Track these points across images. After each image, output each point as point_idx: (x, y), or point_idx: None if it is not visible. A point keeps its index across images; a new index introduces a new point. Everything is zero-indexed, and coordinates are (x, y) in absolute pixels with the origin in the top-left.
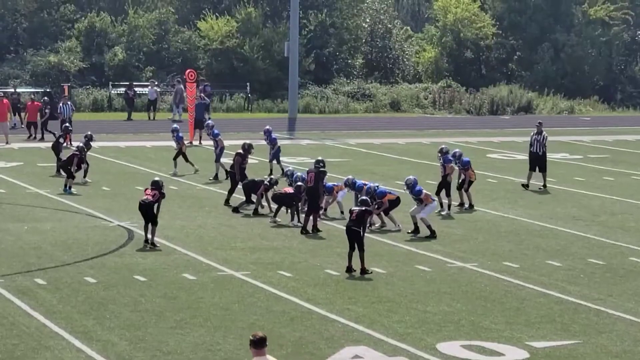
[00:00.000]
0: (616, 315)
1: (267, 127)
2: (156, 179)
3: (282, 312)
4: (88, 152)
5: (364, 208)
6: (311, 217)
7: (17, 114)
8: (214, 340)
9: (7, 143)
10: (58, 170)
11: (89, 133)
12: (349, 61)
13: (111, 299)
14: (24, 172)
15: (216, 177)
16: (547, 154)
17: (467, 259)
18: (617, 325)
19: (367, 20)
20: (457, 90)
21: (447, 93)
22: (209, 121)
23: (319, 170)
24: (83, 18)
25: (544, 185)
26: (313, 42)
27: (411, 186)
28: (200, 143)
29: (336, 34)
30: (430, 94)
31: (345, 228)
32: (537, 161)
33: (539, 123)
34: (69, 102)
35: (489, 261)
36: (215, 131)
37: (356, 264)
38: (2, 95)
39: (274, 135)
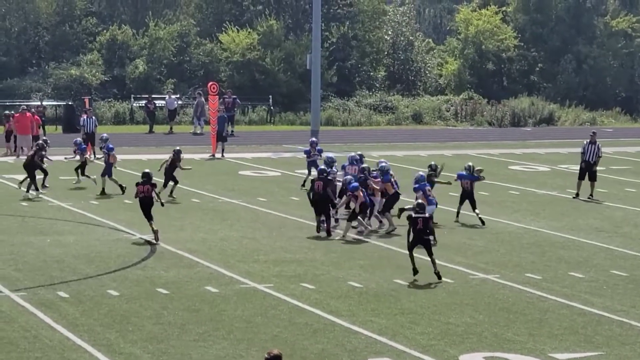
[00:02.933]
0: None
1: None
2: (146, 170)
3: (304, 325)
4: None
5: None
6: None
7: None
8: (236, 353)
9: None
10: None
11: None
12: (371, 73)
13: (134, 311)
14: (46, 185)
15: (103, 191)
16: (570, 165)
17: (490, 270)
18: None
19: (389, 33)
20: (479, 102)
21: (469, 105)
22: (104, 134)
23: (326, 179)
24: (105, 31)
25: (591, 195)
26: (335, 54)
27: (416, 180)
28: (222, 156)
29: (358, 47)
30: (452, 106)
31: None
32: (589, 170)
33: (593, 133)
34: (93, 117)
35: (512, 273)
36: (110, 145)
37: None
38: (25, 108)
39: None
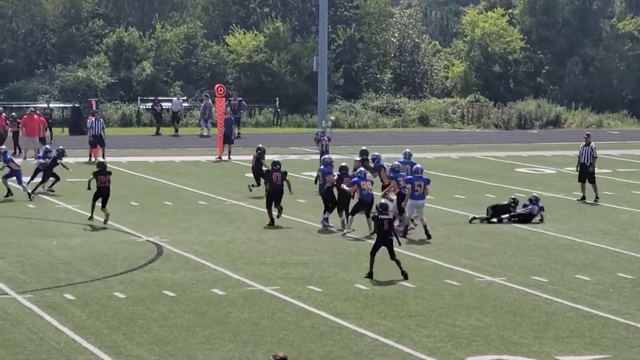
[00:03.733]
0: None
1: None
2: (100, 160)
3: (311, 327)
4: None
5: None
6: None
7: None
8: (243, 356)
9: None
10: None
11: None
12: (378, 76)
13: (140, 314)
14: (53, 187)
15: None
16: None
17: (496, 273)
18: None
19: (396, 35)
20: (486, 104)
21: (476, 107)
22: (2, 147)
23: (281, 170)
24: (111, 33)
25: (597, 197)
26: (342, 56)
27: (391, 169)
28: (229, 158)
29: (365, 49)
30: (458, 108)
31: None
32: (586, 172)
33: (587, 135)
34: (100, 119)
35: (518, 275)
36: (8, 156)
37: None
38: (33, 110)
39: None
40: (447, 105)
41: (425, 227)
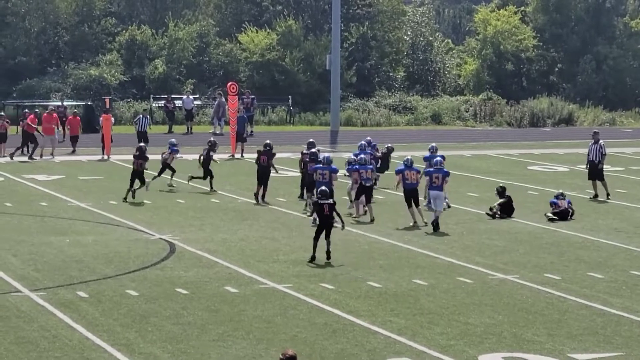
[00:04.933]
0: None
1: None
2: (141, 144)
3: (324, 325)
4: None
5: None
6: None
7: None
8: (256, 353)
9: (52, 155)
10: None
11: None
12: (391, 74)
13: (153, 312)
14: (65, 185)
15: None
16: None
17: (509, 270)
18: None
19: (409, 33)
20: (498, 102)
21: (488, 105)
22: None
23: (270, 152)
24: (124, 31)
25: (608, 195)
26: (354, 54)
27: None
28: (242, 156)
29: (377, 47)
30: (471, 106)
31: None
32: (596, 170)
33: (595, 132)
34: (147, 116)
35: (531, 273)
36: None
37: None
38: (53, 109)
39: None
40: (460, 103)
41: (436, 218)
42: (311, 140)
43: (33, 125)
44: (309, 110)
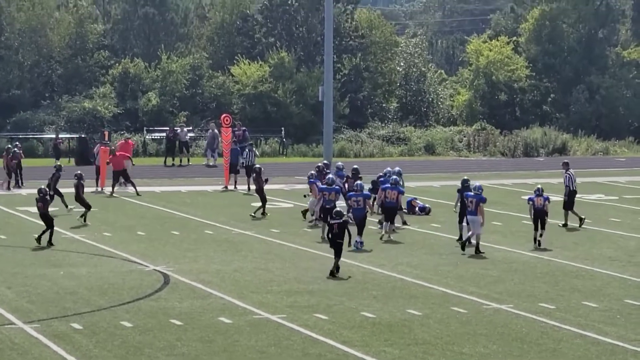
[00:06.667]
0: None
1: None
2: (41, 187)
3: (318, 355)
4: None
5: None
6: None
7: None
8: None
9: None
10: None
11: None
12: (384, 105)
13: (147, 343)
14: (59, 217)
15: None
16: (583, 195)
17: (503, 300)
18: None
19: (401, 64)
20: (492, 132)
21: (482, 136)
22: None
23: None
24: (117, 64)
25: (581, 219)
26: (347, 86)
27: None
28: (235, 188)
29: (370, 78)
30: (464, 136)
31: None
32: (572, 199)
33: (565, 162)
34: (254, 148)
35: (525, 302)
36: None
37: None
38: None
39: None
40: (453, 134)
41: (477, 242)
42: (355, 166)
43: None
44: (301, 142)
